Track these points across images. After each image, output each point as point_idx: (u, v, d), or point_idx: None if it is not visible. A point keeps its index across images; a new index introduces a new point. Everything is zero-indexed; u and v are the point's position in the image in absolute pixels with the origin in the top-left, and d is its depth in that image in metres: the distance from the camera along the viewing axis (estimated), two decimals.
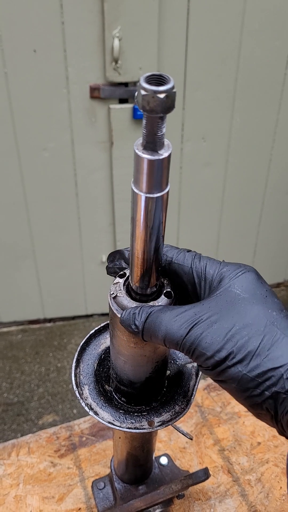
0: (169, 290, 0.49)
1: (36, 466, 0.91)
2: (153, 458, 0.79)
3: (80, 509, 0.84)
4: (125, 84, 1.82)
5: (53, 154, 1.92)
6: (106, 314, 2.47)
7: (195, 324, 0.40)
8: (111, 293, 0.48)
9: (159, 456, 0.86)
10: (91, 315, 2.44)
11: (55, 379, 2.12)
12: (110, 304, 0.48)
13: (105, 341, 0.65)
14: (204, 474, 0.73)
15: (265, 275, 2.31)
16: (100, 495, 0.84)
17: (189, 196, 2.16)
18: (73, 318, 2.42)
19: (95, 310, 2.43)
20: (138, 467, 0.77)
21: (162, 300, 0.48)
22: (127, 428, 0.55)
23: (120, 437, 0.69)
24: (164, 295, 0.48)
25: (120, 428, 0.55)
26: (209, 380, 1.05)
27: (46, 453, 0.94)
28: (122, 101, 1.86)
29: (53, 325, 2.39)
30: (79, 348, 0.62)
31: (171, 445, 0.94)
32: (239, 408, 1.00)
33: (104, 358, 0.63)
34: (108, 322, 0.65)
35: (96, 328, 0.65)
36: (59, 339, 2.31)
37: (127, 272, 0.50)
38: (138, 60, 1.75)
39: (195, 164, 2.08)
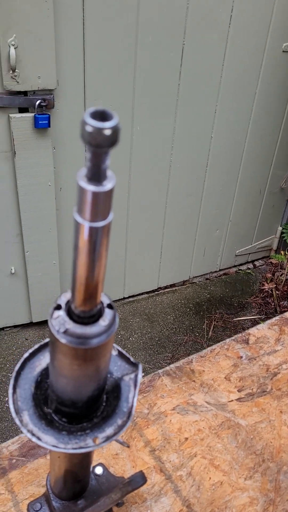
0: (108, 302, 0.50)
1: None
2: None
3: None
4: (24, 93, 1.78)
5: None
6: (19, 326, 2.39)
7: None
8: (58, 329, 0.48)
9: (94, 466, 0.87)
10: (3, 328, 2.35)
11: None
12: (59, 338, 0.48)
13: (40, 363, 0.64)
14: (142, 479, 0.76)
15: (172, 273, 2.43)
16: None
17: None
18: None
19: (7, 323, 2.35)
20: (77, 483, 0.77)
21: (108, 313, 0.50)
22: (72, 449, 0.56)
23: (59, 456, 0.68)
24: (107, 308, 0.50)
25: (66, 450, 0.55)
26: None
27: None
28: (22, 110, 1.82)
29: None
30: (14, 373, 0.61)
31: (104, 453, 0.95)
32: (165, 407, 1.04)
33: (41, 380, 0.63)
34: (40, 344, 0.65)
35: (30, 350, 0.64)
36: None
37: (61, 302, 0.51)
38: (36, 69, 1.73)
39: None
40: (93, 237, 0.41)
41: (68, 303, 0.51)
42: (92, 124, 0.34)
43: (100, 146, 0.34)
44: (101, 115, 0.35)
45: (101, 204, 0.39)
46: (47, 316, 2.38)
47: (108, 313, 0.50)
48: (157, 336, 2.41)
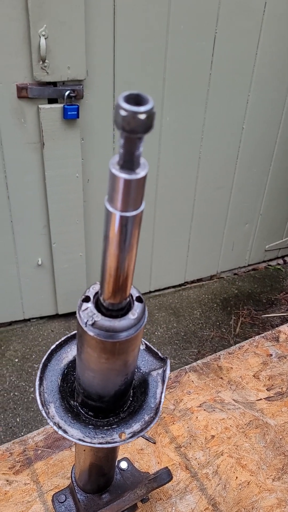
0: (138, 295, 0.49)
1: None
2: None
3: None
4: (54, 84, 1.78)
5: None
6: (45, 317, 2.42)
7: None
8: (86, 321, 0.47)
9: (119, 461, 0.86)
10: (29, 319, 2.38)
11: None
12: (87, 330, 0.47)
13: (66, 355, 0.64)
14: (168, 476, 0.74)
15: (199, 268, 2.39)
16: (62, 508, 0.82)
17: None
18: (10, 323, 2.35)
19: (33, 314, 2.37)
20: (102, 476, 0.76)
21: (138, 306, 0.48)
22: (98, 443, 0.55)
23: (84, 450, 0.68)
24: (137, 301, 0.49)
25: (92, 444, 0.54)
26: None
27: (0, 471, 0.90)
28: (51, 101, 1.82)
29: None
30: (41, 365, 0.61)
31: (129, 448, 0.95)
32: (191, 404, 1.03)
33: (68, 372, 0.62)
34: (67, 336, 0.64)
35: (57, 342, 0.64)
36: None
37: (89, 294, 0.50)
38: (66, 59, 1.72)
39: None
40: (124, 226, 0.40)
41: (96, 295, 0.50)
42: (127, 108, 0.32)
43: (134, 132, 0.33)
44: (136, 99, 0.33)
45: (133, 193, 0.37)
46: (72, 308, 2.39)
47: (137, 306, 0.48)
48: (183, 331, 2.39)
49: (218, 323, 2.44)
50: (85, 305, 0.49)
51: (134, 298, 0.49)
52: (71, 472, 0.80)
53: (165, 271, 2.58)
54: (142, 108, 0.32)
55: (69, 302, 2.37)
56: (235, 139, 2.27)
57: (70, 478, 0.80)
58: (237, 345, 1.11)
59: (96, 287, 0.50)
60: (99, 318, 0.47)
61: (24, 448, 0.94)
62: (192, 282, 2.72)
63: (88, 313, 0.48)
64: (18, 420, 1.93)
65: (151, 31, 1.82)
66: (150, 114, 0.32)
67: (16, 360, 2.17)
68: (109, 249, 0.42)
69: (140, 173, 0.36)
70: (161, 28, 1.83)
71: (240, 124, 2.23)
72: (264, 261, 2.92)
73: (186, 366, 1.07)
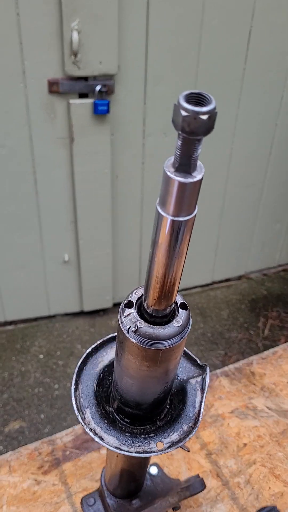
0: (182, 301, 0.47)
1: (19, 486, 0.87)
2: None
3: None
4: (85, 78, 1.76)
5: (11, 152, 1.84)
6: (70, 314, 2.42)
7: None
8: (129, 327, 0.45)
9: (149, 466, 0.85)
10: (54, 316, 2.39)
11: (20, 384, 2.05)
12: (130, 337, 0.45)
13: (102, 359, 0.62)
14: (201, 485, 0.72)
15: (227, 268, 2.35)
16: (91, 511, 0.81)
17: (151, 191, 2.15)
18: (35, 319, 2.36)
19: (58, 310, 2.37)
20: (133, 482, 0.75)
21: (182, 314, 0.46)
22: (135, 452, 0.53)
23: (117, 455, 0.66)
24: (181, 308, 0.47)
25: (129, 453, 0.52)
26: None
27: (28, 470, 0.90)
28: (82, 95, 1.81)
29: (15, 327, 2.31)
30: (76, 369, 0.59)
31: None
32: (223, 410, 1.00)
33: (103, 377, 0.60)
34: (103, 339, 0.62)
35: (93, 346, 0.62)
36: (21, 342, 2.24)
37: (132, 299, 0.48)
38: (98, 53, 1.70)
39: (156, 160, 2.06)
40: (176, 232, 0.37)
41: (139, 300, 0.48)
42: (188, 108, 0.30)
43: (194, 133, 0.30)
44: (197, 99, 0.31)
45: (188, 197, 0.35)
46: (98, 305, 2.39)
47: (182, 314, 0.46)
48: (209, 331, 2.36)
49: (246, 325, 2.40)
50: (127, 310, 0.47)
51: (179, 304, 0.47)
52: (101, 475, 0.79)
53: (192, 270, 2.54)
54: (204, 109, 0.30)
55: (94, 300, 2.37)
56: (268, 135, 2.22)
57: (100, 481, 0.79)
58: (270, 350, 1.08)
59: (139, 292, 0.49)
60: (142, 325, 0.45)
61: (52, 448, 0.93)
62: (220, 282, 2.68)
63: (131, 319, 0.46)
64: (42, 416, 1.93)
65: (184, 25, 1.79)
66: (212, 115, 0.30)
67: (41, 356, 2.18)
68: (158, 254, 0.40)
69: (197, 176, 0.34)
70: (194, 22, 1.79)
71: (274, 120, 2.18)
72: None
73: (217, 371, 1.04)
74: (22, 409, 1.96)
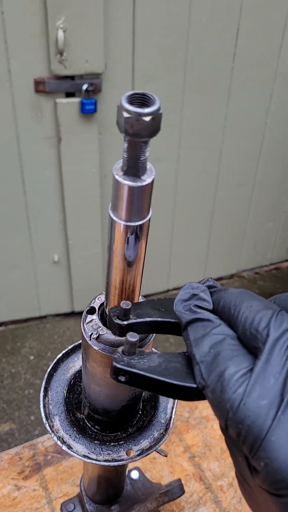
0: None
1: None
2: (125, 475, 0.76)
3: None
4: (72, 77, 1.75)
5: None
6: (61, 315, 2.41)
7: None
8: (91, 334, 0.44)
9: (130, 470, 0.84)
10: (45, 316, 2.37)
11: (10, 385, 2.04)
12: (91, 344, 0.44)
13: (73, 364, 0.61)
14: (180, 490, 0.71)
15: (219, 267, 2.33)
16: None
17: None
18: (26, 320, 2.34)
19: (49, 311, 2.36)
20: (111, 488, 0.73)
21: None
22: (104, 461, 0.52)
23: None
24: None
25: (97, 462, 0.51)
26: None
27: (9, 476, 0.89)
28: (69, 95, 1.79)
29: (5, 328, 2.30)
30: (46, 375, 0.58)
31: None
32: (207, 412, 0.99)
33: (74, 383, 0.59)
34: (74, 344, 0.61)
35: (64, 351, 0.61)
36: (11, 343, 2.23)
37: (95, 305, 0.47)
38: (84, 52, 1.69)
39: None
40: (129, 237, 0.36)
41: (102, 306, 0.47)
42: (129, 109, 0.28)
43: (138, 135, 0.29)
44: (141, 99, 0.30)
45: (138, 201, 0.34)
46: None
47: None
48: None
49: None
50: (89, 317, 0.46)
51: None
52: (80, 481, 0.78)
53: (184, 269, 2.53)
54: (147, 110, 0.28)
55: (85, 300, 2.36)
56: (258, 134, 2.21)
57: (79, 487, 0.78)
58: None
59: (102, 298, 0.47)
60: (104, 331, 0.44)
61: (33, 452, 0.92)
62: None
63: (93, 326, 0.45)
64: (32, 418, 1.92)
65: (172, 23, 1.77)
66: (156, 116, 0.29)
67: (32, 357, 2.16)
68: (114, 260, 0.39)
69: (146, 179, 0.33)
70: (182, 20, 1.77)
71: (263, 118, 2.17)
72: (287, 260, 2.85)
73: None
74: (12, 411, 1.94)
